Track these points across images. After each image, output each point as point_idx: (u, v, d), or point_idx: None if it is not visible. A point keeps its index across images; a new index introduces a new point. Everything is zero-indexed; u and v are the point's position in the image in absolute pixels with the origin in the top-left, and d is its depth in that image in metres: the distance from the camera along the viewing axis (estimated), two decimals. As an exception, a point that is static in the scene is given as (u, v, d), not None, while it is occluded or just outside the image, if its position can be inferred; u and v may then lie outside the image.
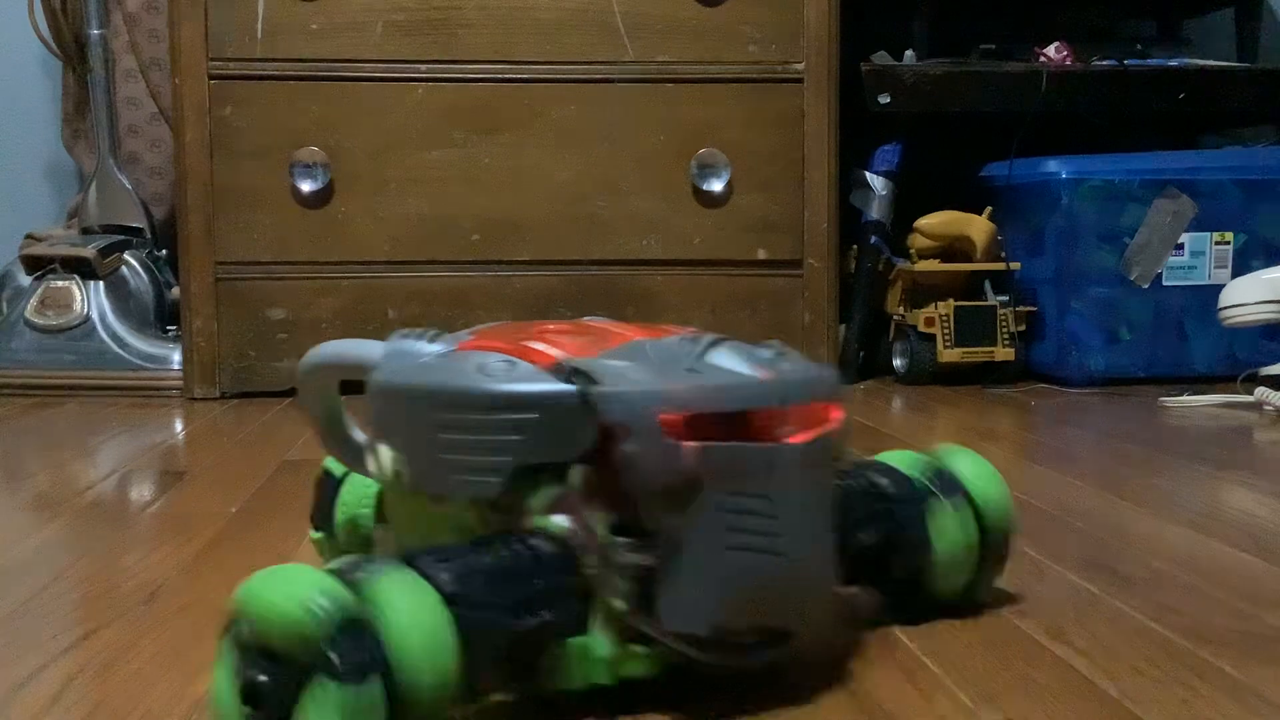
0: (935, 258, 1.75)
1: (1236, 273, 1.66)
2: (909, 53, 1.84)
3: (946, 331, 1.70)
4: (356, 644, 0.45)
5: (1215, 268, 1.71)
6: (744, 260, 1.68)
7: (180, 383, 1.67)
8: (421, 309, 1.65)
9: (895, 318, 1.79)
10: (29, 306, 1.75)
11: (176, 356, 1.70)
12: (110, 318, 1.75)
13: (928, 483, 0.65)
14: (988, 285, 1.75)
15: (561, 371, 0.54)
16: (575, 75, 1.65)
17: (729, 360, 0.55)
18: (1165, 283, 1.71)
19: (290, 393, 1.64)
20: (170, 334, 1.78)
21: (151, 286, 1.81)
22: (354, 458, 0.66)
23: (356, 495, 0.70)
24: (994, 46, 1.88)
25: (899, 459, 0.67)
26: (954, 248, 1.75)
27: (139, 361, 1.73)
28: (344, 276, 1.65)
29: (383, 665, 0.45)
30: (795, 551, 0.54)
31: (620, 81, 1.66)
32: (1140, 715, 0.53)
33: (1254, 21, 2.02)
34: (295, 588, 0.46)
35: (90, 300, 1.75)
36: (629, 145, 1.66)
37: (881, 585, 0.66)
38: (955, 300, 1.72)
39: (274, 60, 1.62)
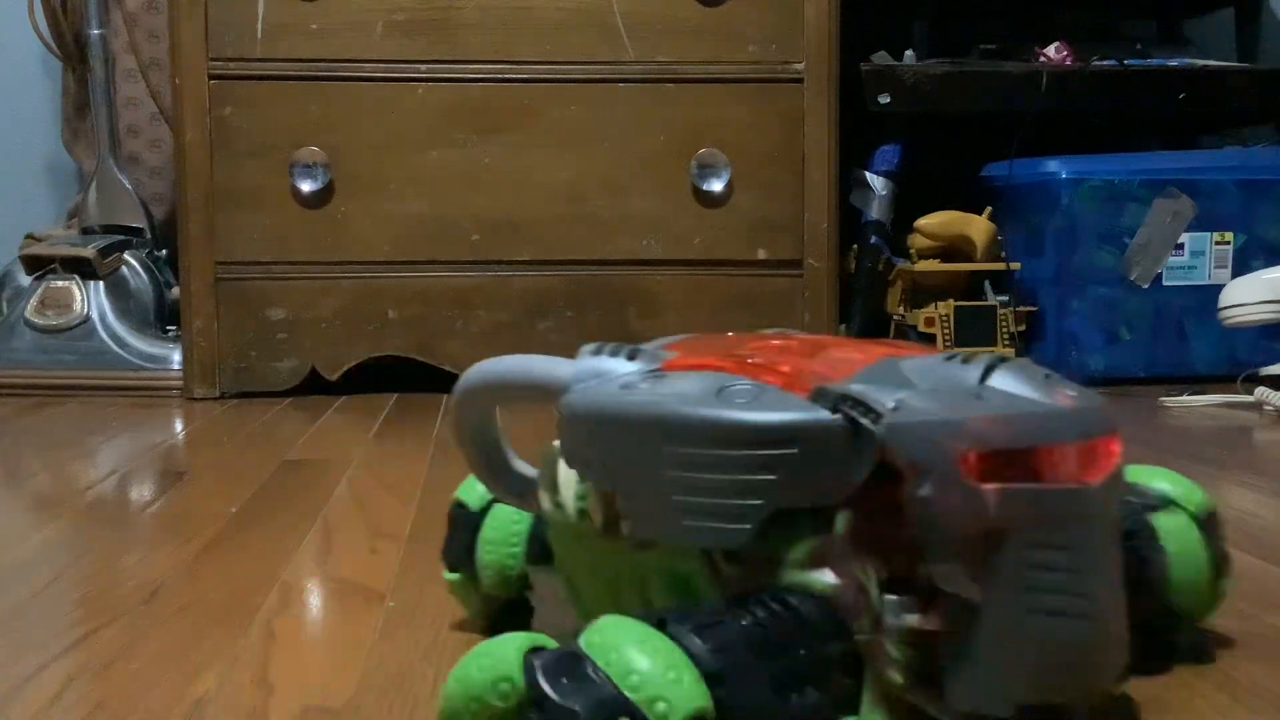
0: (935, 258, 1.75)
1: (1236, 273, 1.66)
2: (909, 53, 1.84)
3: (946, 331, 1.70)
4: None
5: (1215, 268, 1.71)
6: (744, 260, 1.68)
7: (180, 383, 1.67)
8: (421, 309, 1.65)
9: (895, 318, 1.79)
10: (29, 306, 1.75)
11: (176, 356, 1.70)
12: (110, 318, 1.75)
13: (1144, 508, 0.57)
14: (988, 285, 1.75)
15: (824, 398, 0.45)
16: (575, 75, 1.65)
17: (1015, 385, 0.46)
18: (1165, 283, 1.71)
19: (290, 393, 1.64)
20: (170, 334, 1.78)
21: (151, 286, 1.81)
22: (518, 493, 0.58)
23: (503, 533, 0.61)
24: (994, 46, 1.88)
25: (1144, 475, 0.59)
26: (954, 248, 1.75)
27: (139, 361, 1.73)
28: (344, 276, 1.65)
29: None
30: (1099, 611, 0.45)
31: (620, 81, 1.66)
32: (1140, 715, 0.53)
33: (1254, 21, 2.02)
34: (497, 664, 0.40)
35: (90, 300, 1.75)
36: (629, 145, 1.66)
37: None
38: (955, 300, 1.72)
39: (274, 60, 1.62)
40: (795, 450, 0.44)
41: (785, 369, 0.48)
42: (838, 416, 0.44)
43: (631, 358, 0.53)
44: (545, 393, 0.53)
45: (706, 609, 0.44)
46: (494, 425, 0.58)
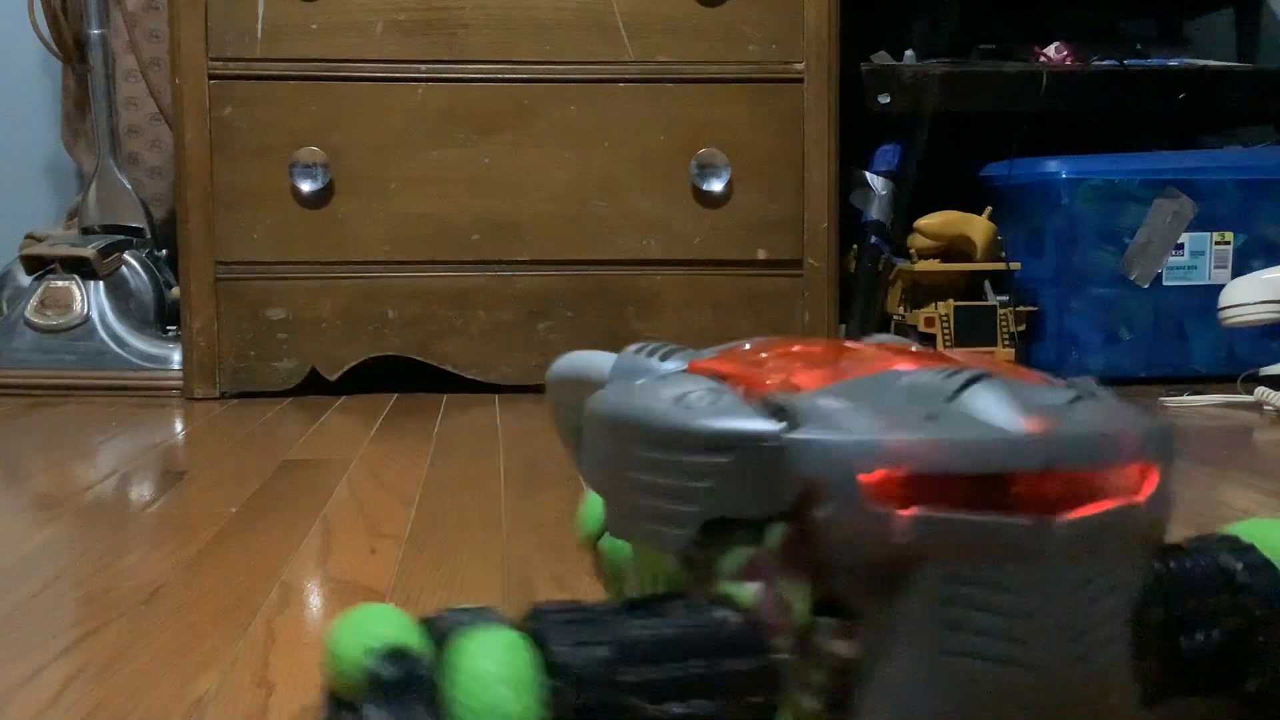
0: (935, 258, 1.75)
1: (1236, 273, 1.66)
2: (909, 53, 1.84)
3: (946, 331, 1.70)
4: (400, 709, 0.38)
5: (1215, 268, 1.71)
6: (744, 260, 1.68)
7: (180, 383, 1.67)
8: (421, 309, 1.65)
9: (895, 318, 1.79)
10: (29, 306, 1.75)
11: (176, 356, 1.70)
12: (110, 318, 1.75)
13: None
14: (988, 285, 1.75)
15: (768, 407, 0.43)
16: (575, 75, 1.65)
17: (990, 403, 0.42)
18: (1165, 283, 1.71)
19: (290, 393, 1.64)
20: (170, 334, 1.78)
21: (151, 286, 1.81)
22: None
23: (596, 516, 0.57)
24: (994, 46, 1.88)
25: (1261, 531, 0.50)
26: (954, 248, 1.75)
27: (139, 361, 1.73)
28: (344, 276, 1.65)
29: None
30: (1052, 665, 0.40)
31: (620, 81, 1.66)
32: (1140, 715, 0.53)
33: (1254, 21, 2.02)
34: (369, 629, 0.40)
35: (90, 300, 1.75)
36: (629, 145, 1.66)
37: (1238, 698, 0.48)
38: (955, 300, 1.72)
39: (274, 60, 1.62)
40: (729, 459, 0.42)
41: (795, 379, 0.45)
42: (773, 428, 0.42)
43: (665, 359, 0.52)
44: (592, 386, 0.52)
45: (602, 607, 0.43)
46: (576, 412, 0.55)
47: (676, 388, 0.46)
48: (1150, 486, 0.42)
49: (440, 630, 0.40)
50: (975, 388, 0.42)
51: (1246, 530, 0.49)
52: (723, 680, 0.41)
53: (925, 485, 0.39)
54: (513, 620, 0.41)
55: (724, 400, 0.44)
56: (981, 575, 0.39)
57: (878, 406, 0.42)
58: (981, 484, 0.40)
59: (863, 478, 0.39)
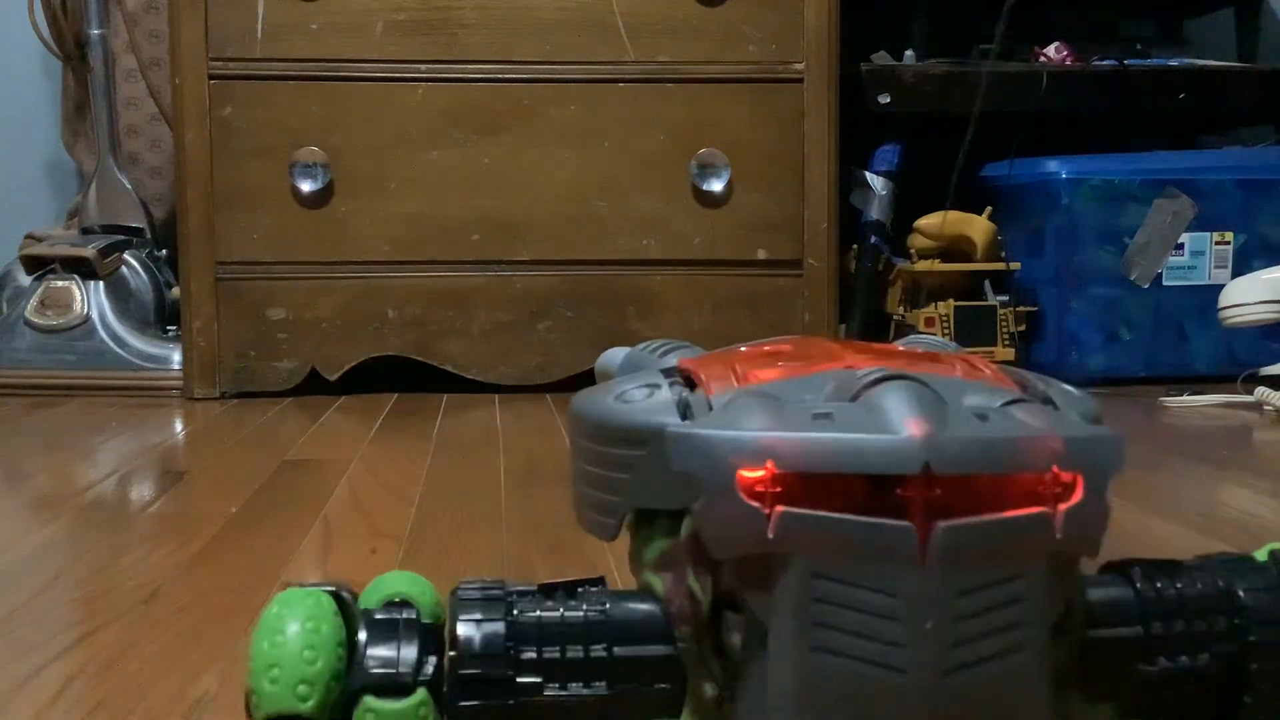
0: (935, 258, 1.75)
1: (1236, 273, 1.66)
2: (909, 53, 1.84)
3: (946, 331, 1.70)
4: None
5: (1215, 268, 1.71)
6: (744, 260, 1.68)
7: (180, 383, 1.67)
8: (421, 309, 1.65)
9: (895, 318, 1.79)
10: (29, 306, 1.75)
11: (176, 356, 1.70)
12: (110, 318, 1.75)
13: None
14: (988, 285, 1.75)
15: (680, 404, 0.44)
16: (575, 75, 1.65)
17: (891, 402, 0.40)
18: (1165, 283, 1.71)
19: (290, 393, 1.64)
20: (170, 334, 1.78)
21: (151, 286, 1.81)
22: None
23: None
24: (994, 46, 1.88)
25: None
26: (954, 248, 1.75)
27: (139, 361, 1.73)
28: (344, 276, 1.65)
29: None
30: (924, 671, 0.39)
31: (620, 81, 1.66)
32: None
33: (1254, 21, 2.02)
34: (290, 606, 0.43)
35: (90, 300, 1.75)
36: (629, 145, 1.66)
37: None
38: (955, 300, 1.72)
39: (274, 60, 1.62)
40: (644, 452, 0.44)
41: (747, 377, 0.45)
42: (673, 422, 0.43)
43: (662, 356, 0.53)
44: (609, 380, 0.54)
45: (523, 591, 0.45)
46: None
47: (629, 384, 0.47)
48: (1073, 498, 0.40)
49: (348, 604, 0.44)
50: (883, 387, 0.41)
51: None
52: (625, 666, 0.43)
53: (801, 483, 0.39)
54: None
55: (657, 397, 0.45)
56: (852, 575, 0.39)
57: (786, 404, 0.42)
58: (861, 484, 0.39)
59: (741, 474, 0.39)
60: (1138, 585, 0.46)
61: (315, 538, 0.88)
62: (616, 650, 0.43)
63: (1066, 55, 1.87)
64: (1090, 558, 0.42)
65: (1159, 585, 0.46)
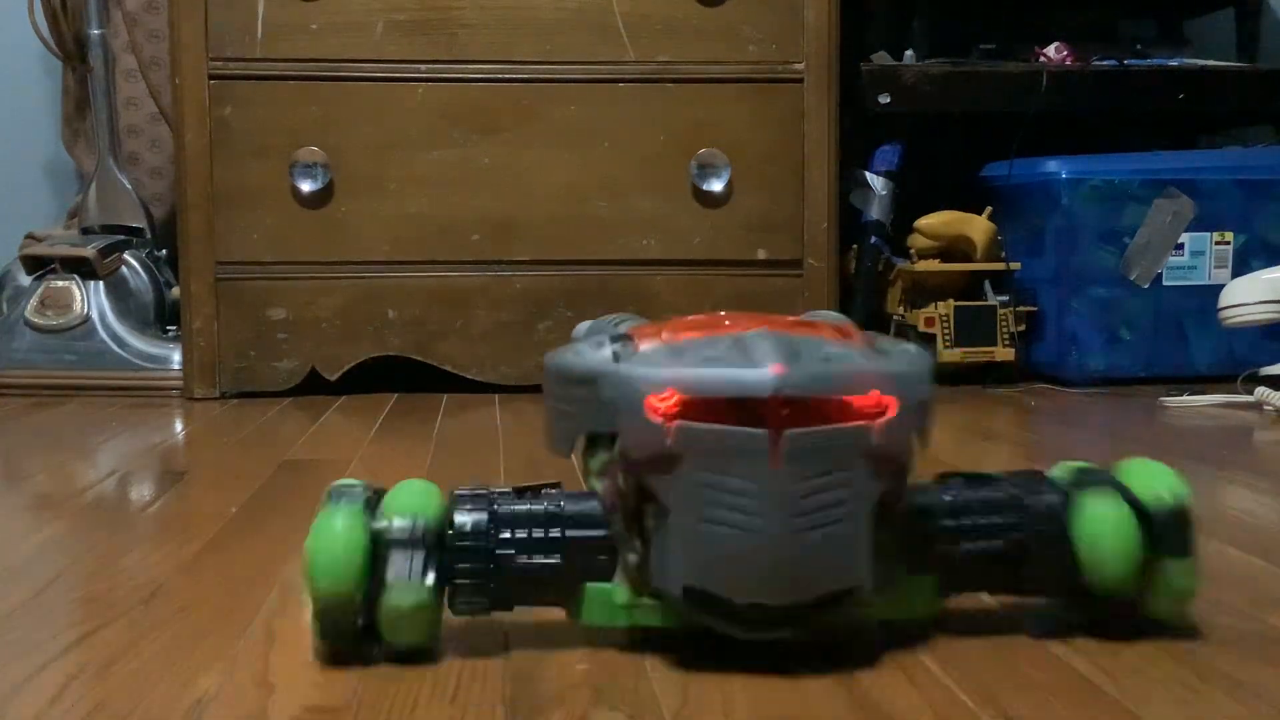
0: (935, 258, 1.75)
1: (1236, 273, 1.66)
2: (909, 53, 1.84)
3: (946, 331, 1.70)
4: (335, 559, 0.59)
5: (1215, 268, 1.71)
6: (744, 260, 1.68)
7: (180, 383, 1.67)
8: (421, 309, 1.65)
9: (895, 318, 1.79)
10: (29, 306, 1.75)
11: (176, 356, 1.70)
12: (110, 318, 1.75)
13: (1071, 482, 0.63)
14: (988, 285, 1.75)
15: (615, 355, 0.61)
16: (575, 75, 1.65)
17: (758, 349, 0.58)
18: (1165, 283, 1.71)
19: (290, 393, 1.64)
20: (170, 334, 1.78)
21: (151, 286, 1.81)
22: None
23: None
24: (994, 46, 1.88)
25: (1132, 469, 0.64)
26: (954, 248, 1.75)
27: (139, 361, 1.73)
28: (344, 276, 1.65)
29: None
30: (776, 533, 0.56)
31: (620, 81, 1.66)
32: (1140, 715, 0.53)
33: (1254, 21, 2.01)
34: (332, 515, 0.60)
35: (90, 300, 1.75)
36: (629, 145, 1.66)
37: (1016, 593, 0.65)
38: (955, 300, 1.72)
39: (274, 60, 1.62)
40: (588, 389, 0.61)
41: (669, 338, 0.62)
42: (606, 366, 0.60)
43: (617, 326, 0.69)
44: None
45: (505, 494, 0.63)
46: None
47: (583, 344, 0.64)
48: (888, 415, 0.58)
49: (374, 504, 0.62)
50: (754, 338, 0.59)
51: (1124, 467, 0.65)
52: (574, 543, 0.62)
53: (690, 405, 0.57)
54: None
55: (601, 351, 0.62)
56: (726, 469, 0.57)
57: (688, 353, 0.59)
58: (733, 405, 0.57)
59: (648, 400, 0.57)
60: (952, 491, 0.64)
61: (315, 538, 0.88)
62: (568, 532, 0.62)
63: (1066, 55, 1.87)
64: (902, 460, 0.59)
65: (967, 492, 0.64)
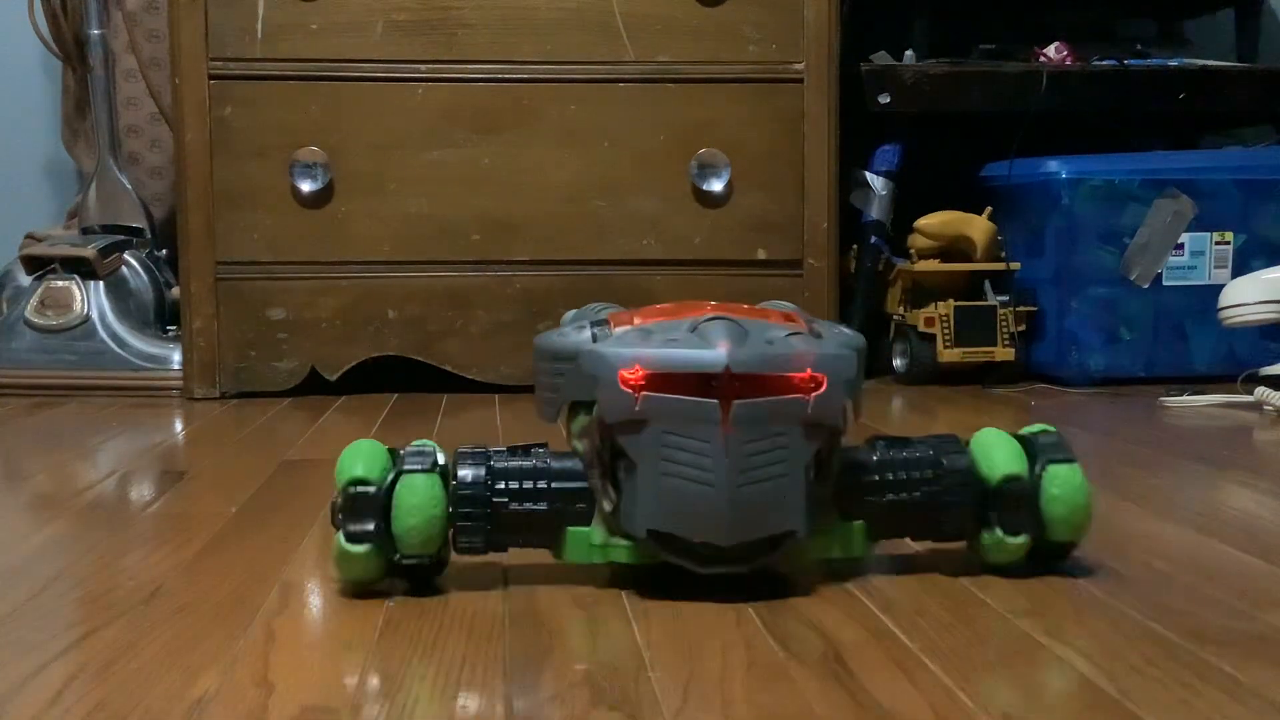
0: (935, 258, 1.75)
1: (1236, 273, 1.66)
2: (909, 53, 1.84)
3: (946, 331, 1.70)
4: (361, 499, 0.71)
5: (1215, 268, 1.71)
6: (744, 260, 1.68)
7: (180, 383, 1.67)
8: (421, 309, 1.65)
9: (895, 318, 1.79)
10: (29, 306, 1.75)
11: (176, 356, 1.70)
12: (110, 318, 1.75)
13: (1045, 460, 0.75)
14: (988, 285, 1.75)
15: (594, 337, 0.73)
16: (575, 75, 1.65)
17: (713, 333, 0.70)
18: (1165, 283, 1.71)
19: (290, 393, 1.64)
20: (170, 334, 1.78)
21: (151, 286, 1.81)
22: None
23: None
24: (994, 46, 1.88)
25: (981, 436, 0.77)
26: (954, 248, 1.75)
27: (139, 361, 1.73)
28: (344, 276, 1.65)
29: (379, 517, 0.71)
30: (724, 484, 0.68)
31: (620, 81, 1.66)
32: (1140, 715, 0.53)
33: (1254, 21, 2.02)
34: (359, 452, 0.73)
35: (90, 300, 1.75)
36: (629, 145, 1.66)
37: (935, 539, 0.77)
38: (955, 300, 1.72)
39: (274, 60, 1.62)
40: (571, 365, 0.73)
41: (639, 322, 0.73)
42: (586, 346, 0.72)
43: (599, 314, 0.79)
44: None
45: (500, 452, 0.74)
46: None
47: (568, 327, 0.76)
48: (820, 389, 0.70)
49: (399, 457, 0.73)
50: (709, 323, 0.71)
51: (975, 436, 0.77)
52: (558, 493, 0.73)
53: (655, 378, 0.69)
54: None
55: (582, 334, 0.74)
56: (685, 431, 0.69)
57: (654, 335, 0.71)
58: (690, 379, 0.69)
59: (621, 373, 0.69)
60: (877, 451, 0.76)
61: (315, 538, 0.88)
62: (553, 484, 0.74)
63: (1066, 55, 1.87)
64: (834, 425, 0.71)
65: (890, 451, 0.76)
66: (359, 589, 0.74)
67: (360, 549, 0.70)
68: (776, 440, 0.69)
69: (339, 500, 0.72)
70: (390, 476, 0.71)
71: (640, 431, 0.69)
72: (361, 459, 0.72)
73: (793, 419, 0.69)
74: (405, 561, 0.71)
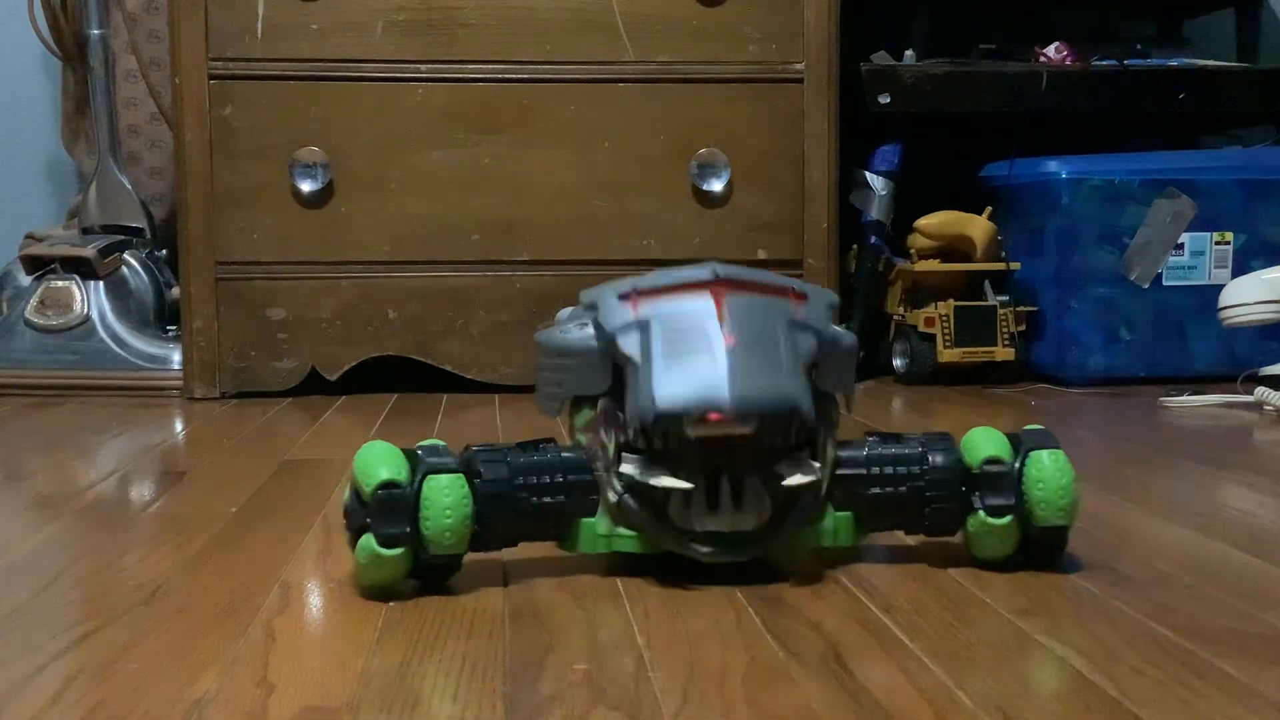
0: (935, 258, 1.75)
1: (1236, 273, 1.66)
2: (909, 53, 1.84)
3: (946, 331, 1.70)
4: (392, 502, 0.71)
5: (1215, 268, 1.71)
6: (744, 260, 1.68)
7: (180, 383, 1.67)
8: (421, 309, 1.65)
9: (895, 318, 1.79)
10: (29, 306, 1.75)
11: (176, 356, 1.70)
12: (110, 318, 1.75)
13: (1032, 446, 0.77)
14: (988, 285, 1.75)
15: (600, 333, 0.77)
16: (575, 75, 1.65)
17: (706, 264, 0.78)
18: (1165, 283, 1.71)
19: (290, 393, 1.64)
20: (170, 334, 1.78)
21: (151, 286, 1.81)
22: None
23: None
24: (994, 46, 1.88)
25: (972, 434, 0.79)
26: (954, 248, 1.75)
27: (139, 361, 1.73)
28: (344, 276, 1.65)
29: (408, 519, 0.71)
30: (725, 359, 0.72)
31: (620, 81, 1.66)
32: (1140, 715, 0.53)
33: (1254, 21, 2.02)
34: (378, 454, 0.73)
35: (90, 300, 1.75)
36: (629, 145, 1.66)
37: (920, 532, 0.79)
38: (955, 300, 1.72)
39: (274, 60, 1.62)
40: (575, 361, 0.77)
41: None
42: (595, 342, 0.77)
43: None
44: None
45: (512, 449, 0.76)
46: None
47: (567, 324, 0.79)
48: (804, 302, 0.78)
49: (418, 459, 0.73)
50: (695, 266, 0.77)
51: (966, 435, 0.78)
52: (570, 485, 0.76)
53: (648, 292, 0.77)
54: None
55: (584, 330, 0.78)
56: (684, 325, 0.74)
57: (644, 283, 0.78)
58: (683, 290, 0.76)
59: (619, 294, 0.77)
60: (867, 446, 0.78)
61: (315, 538, 0.88)
62: (569, 477, 0.76)
63: (1066, 55, 1.87)
64: (819, 330, 0.77)
65: (880, 447, 0.78)
66: (379, 593, 0.73)
67: (394, 552, 0.70)
68: (768, 331, 0.74)
69: (361, 503, 0.71)
70: (418, 477, 0.71)
71: (641, 333, 0.74)
72: (383, 461, 0.72)
73: (782, 318, 0.75)
74: (435, 562, 0.72)
